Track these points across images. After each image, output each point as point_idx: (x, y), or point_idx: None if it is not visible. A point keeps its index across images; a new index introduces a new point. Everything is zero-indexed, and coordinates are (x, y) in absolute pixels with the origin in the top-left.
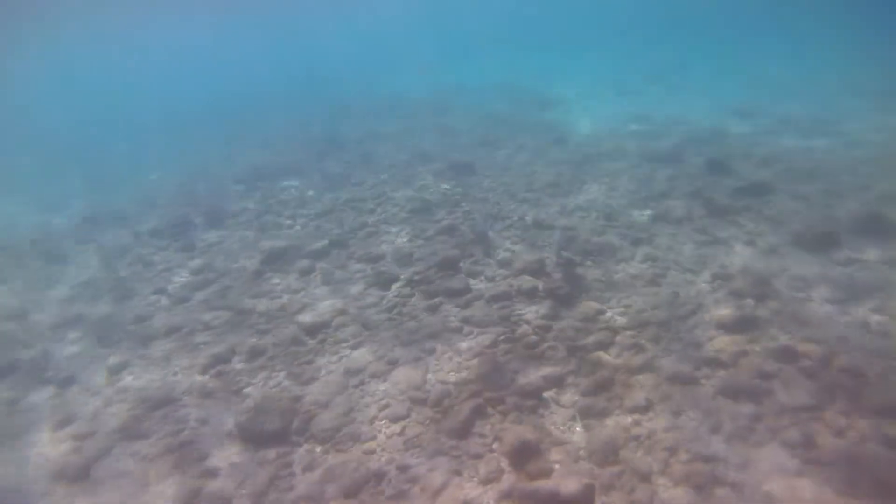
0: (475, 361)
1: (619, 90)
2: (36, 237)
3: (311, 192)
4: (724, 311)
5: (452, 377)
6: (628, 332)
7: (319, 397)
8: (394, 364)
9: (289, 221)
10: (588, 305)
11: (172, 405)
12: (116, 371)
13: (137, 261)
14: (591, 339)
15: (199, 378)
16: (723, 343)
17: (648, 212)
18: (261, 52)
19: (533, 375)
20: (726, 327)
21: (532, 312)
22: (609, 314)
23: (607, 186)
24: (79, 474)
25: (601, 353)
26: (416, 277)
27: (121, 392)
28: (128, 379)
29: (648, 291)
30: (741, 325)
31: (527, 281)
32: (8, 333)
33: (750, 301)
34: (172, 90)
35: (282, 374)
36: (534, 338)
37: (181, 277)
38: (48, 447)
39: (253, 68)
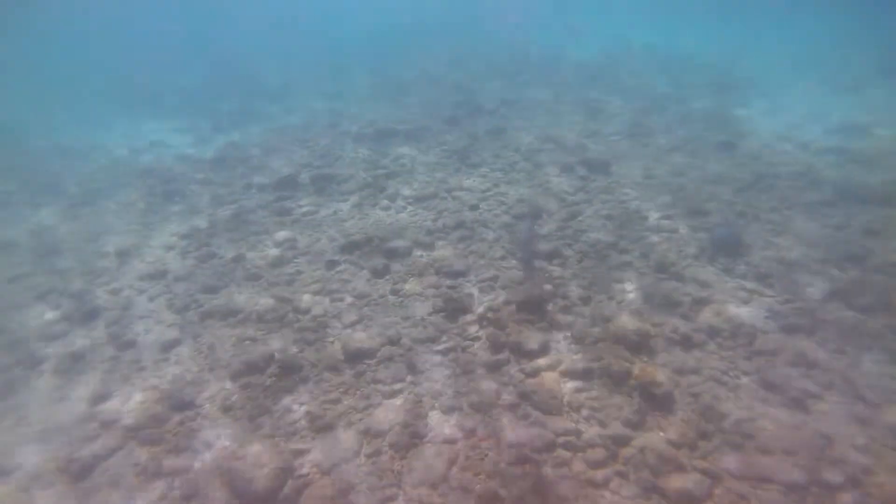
0: (514, 470)
1: (829, 82)
2: (157, 169)
3: (421, 169)
4: None
5: (478, 486)
6: None
7: (323, 459)
8: (420, 440)
9: (385, 202)
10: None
11: (190, 411)
12: (166, 348)
13: (236, 216)
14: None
15: (227, 386)
16: None
17: (824, 287)
18: None
19: None
20: None
21: (616, 409)
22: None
23: (775, 229)
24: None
25: None
26: (490, 315)
27: (153, 376)
28: (169, 356)
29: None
30: None
31: (622, 360)
32: (104, 270)
33: None
34: (329, 26)
35: (303, 409)
36: (602, 454)
37: (262, 250)
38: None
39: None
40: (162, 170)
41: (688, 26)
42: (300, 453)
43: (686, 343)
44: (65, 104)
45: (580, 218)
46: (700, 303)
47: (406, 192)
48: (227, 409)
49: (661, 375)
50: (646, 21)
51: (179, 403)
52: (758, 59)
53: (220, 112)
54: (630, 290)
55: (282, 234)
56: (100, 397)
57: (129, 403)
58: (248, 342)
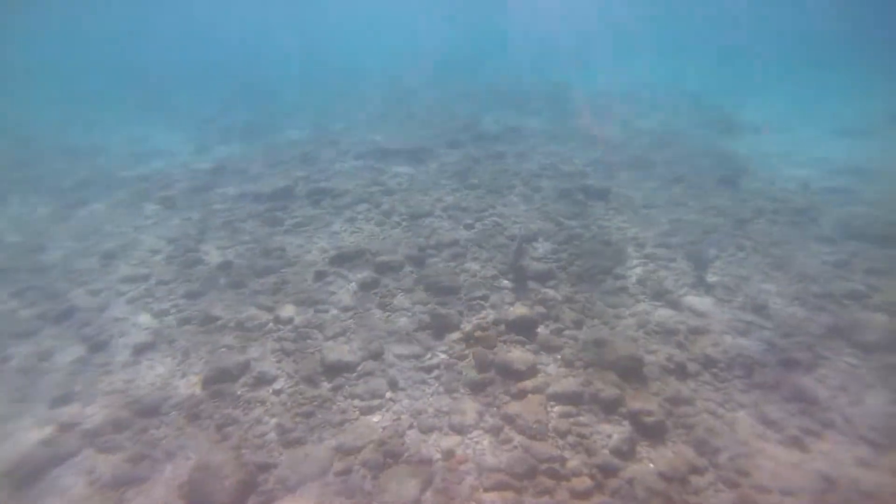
0: (492, 497)
1: (836, 127)
2: (156, 175)
3: (418, 187)
4: None
5: None
6: None
7: (289, 475)
8: (395, 459)
9: (379, 217)
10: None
11: (156, 417)
12: (138, 352)
13: (227, 225)
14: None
15: (196, 392)
16: None
17: (825, 322)
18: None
19: None
20: None
21: (604, 437)
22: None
23: (772, 264)
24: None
25: None
26: (478, 334)
27: (122, 383)
28: (141, 360)
29: None
30: None
31: (612, 386)
32: (89, 270)
33: None
34: (351, 49)
35: (273, 420)
36: (588, 483)
37: (250, 258)
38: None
39: (435, 35)
40: (160, 175)
41: (699, 69)
42: (266, 467)
43: (680, 372)
44: (81, 108)
45: (577, 242)
46: (696, 332)
47: (402, 209)
48: (194, 417)
49: (653, 404)
50: (656, 62)
51: (145, 410)
52: (767, 102)
53: (229, 125)
54: (625, 315)
55: (271, 243)
56: (60, 399)
57: (91, 407)
58: (224, 349)
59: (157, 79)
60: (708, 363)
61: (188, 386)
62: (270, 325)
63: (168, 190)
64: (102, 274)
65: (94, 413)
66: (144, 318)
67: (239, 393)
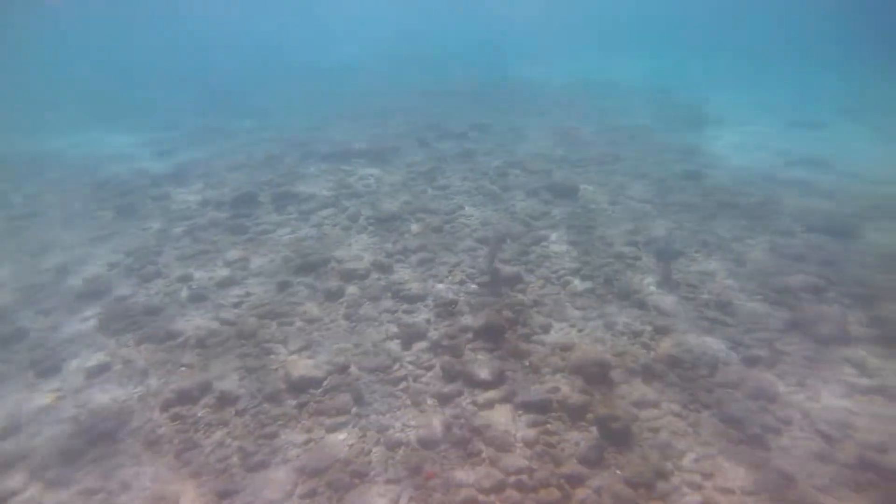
0: None
1: (793, 119)
2: (112, 182)
3: (386, 189)
4: None
5: None
6: None
7: (252, 500)
8: (361, 479)
9: (345, 222)
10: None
11: (112, 444)
12: (91, 375)
13: (188, 234)
14: None
15: (155, 416)
16: None
17: (784, 317)
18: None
19: None
20: None
21: (572, 445)
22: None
23: (735, 259)
24: None
25: None
26: (446, 342)
27: (74, 409)
28: (95, 383)
29: None
30: None
31: (580, 392)
32: (40, 287)
33: None
34: (319, 56)
35: (236, 444)
36: (556, 495)
37: (212, 269)
38: None
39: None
40: (118, 182)
41: (670, 64)
42: (227, 494)
43: (647, 374)
44: (33, 112)
45: (544, 243)
46: (662, 332)
47: (368, 212)
48: (151, 443)
49: (620, 409)
50: (629, 57)
51: (98, 437)
52: (732, 95)
53: (192, 127)
54: (592, 317)
55: (234, 253)
56: (3, 432)
57: (39, 438)
58: (184, 369)
59: (112, 80)
60: (673, 364)
61: (146, 410)
62: (232, 340)
63: (125, 198)
64: (54, 292)
65: (41, 444)
66: (100, 338)
67: (200, 415)
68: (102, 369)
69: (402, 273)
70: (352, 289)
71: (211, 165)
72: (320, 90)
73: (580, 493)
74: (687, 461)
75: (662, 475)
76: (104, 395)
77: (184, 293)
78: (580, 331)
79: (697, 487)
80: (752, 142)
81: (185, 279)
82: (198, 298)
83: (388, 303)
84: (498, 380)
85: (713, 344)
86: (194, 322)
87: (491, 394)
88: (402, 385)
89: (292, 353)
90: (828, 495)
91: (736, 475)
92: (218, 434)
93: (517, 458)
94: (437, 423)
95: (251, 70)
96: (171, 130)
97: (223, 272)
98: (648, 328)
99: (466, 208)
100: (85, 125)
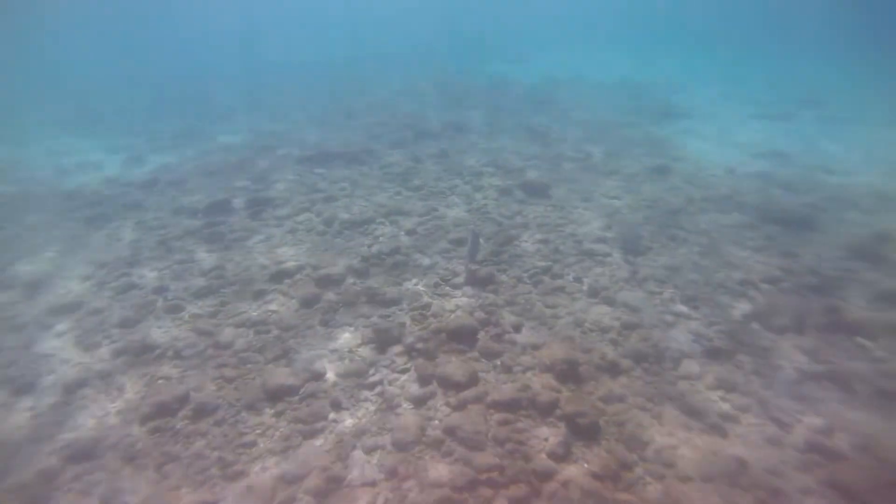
0: None
1: (757, 111)
2: (81, 193)
3: (360, 192)
4: None
5: None
6: None
7: None
8: (339, 484)
9: (321, 227)
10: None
11: (92, 462)
12: (68, 391)
13: (161, 244)
14: None
15: (133, 431)
16: None
17: (745, 309)
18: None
19: None
20: None
21: (541, 441)
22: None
23: (701, 252)
24: None
25: None
26: (420, 346)
27: (52, 427)
28: (71, 399)
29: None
30: None
31: (549, 389)
32: (7, 306)
33: None
34: (289, 55)
35: (215, 454)
36: (525, 490)
37: (187, 279)
38: None
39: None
40: (87, 193)
41: (629, 58)
42: None
43: (614, 370)
44: None
45: (516, 242)
46: (629, 327)
47: (344, 216)
48: (131, 458)
49: (588, 405)
50: (591, 52)
51: (77, 455)
52: (700, 89)
53: (160, 132)
54: (562, 315)
55: (209, 262)
56: None
57: (14, 459)
58: (161, 381)
59: (81, 86)
60: (639, 358)
61: (124, 424)
62: (210, 350)
63: (96, 208)
64: (26, 307)
65: (17, 465)
66: (75, 353)
67: (179, 427)
68: (78, 384)
69: (378, 278)
70: (328, 295)
71: (183, 172)
72: (295, 89)
73: (549, 487)
74: (650, 452)
75: (626, 466)
76: (81, 411)
77: (159, 304)
78: (551, 329)
79: (659, 477)
80: (718, 134)
81: (160, 290)
82: (173, 310)
83: (363, 308)
84: (471, 380)
85: (679, 337)
86: (171, 333)
87: (464, 394)
88: (378, 389)
89: (269, 361)
90: (778, 477)
91: (695, 463)
92: (197, 445)
93: (488, 457)
94: (412, 425)
95: (221, 71)
96: (139, 136)
97: (199, 281)
98: (617, 324)
99: (441, 209)
100: (51, 133)
